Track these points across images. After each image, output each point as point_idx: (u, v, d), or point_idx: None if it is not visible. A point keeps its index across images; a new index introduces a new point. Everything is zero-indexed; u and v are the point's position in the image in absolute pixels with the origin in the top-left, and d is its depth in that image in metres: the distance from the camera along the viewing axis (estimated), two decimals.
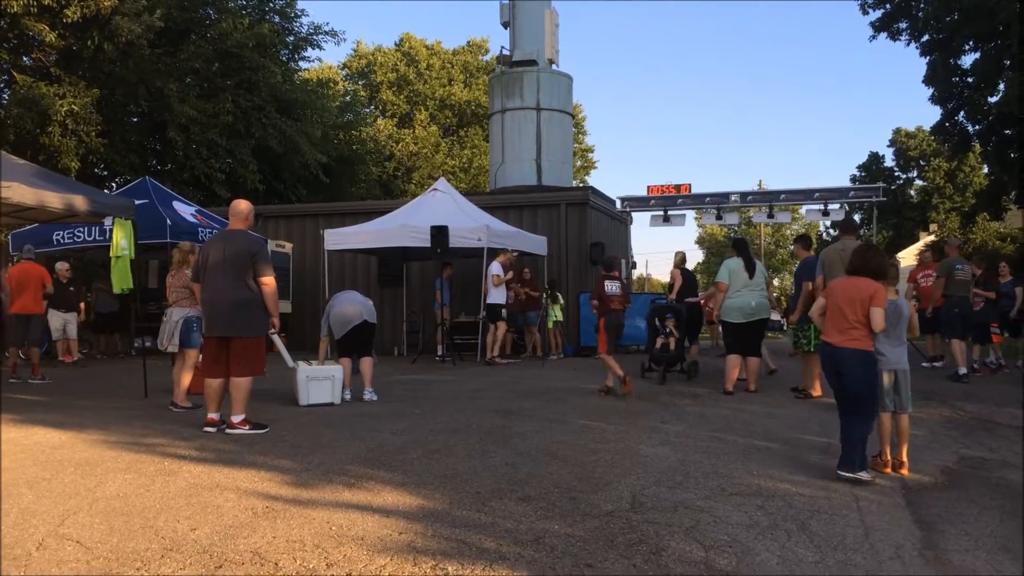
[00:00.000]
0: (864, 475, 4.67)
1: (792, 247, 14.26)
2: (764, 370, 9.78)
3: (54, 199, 8.04)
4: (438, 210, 13.20)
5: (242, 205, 6.56)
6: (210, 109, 19.46)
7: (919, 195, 48.75)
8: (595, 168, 48.89)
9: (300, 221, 17.35)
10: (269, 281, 6.30)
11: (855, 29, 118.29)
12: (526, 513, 3.99)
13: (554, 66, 20.09)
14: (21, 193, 7.61)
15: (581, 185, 32.14)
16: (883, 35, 22.63)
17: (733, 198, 19.60)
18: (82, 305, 13.15)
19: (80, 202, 8.34)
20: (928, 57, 22.01)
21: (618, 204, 19.45)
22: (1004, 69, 19.83)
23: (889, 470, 4.98)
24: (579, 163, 42.78)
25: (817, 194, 19.09)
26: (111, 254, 8.70)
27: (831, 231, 43.95)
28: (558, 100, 19.55)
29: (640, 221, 47.92)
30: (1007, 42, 19.13)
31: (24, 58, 18.40)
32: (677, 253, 11.31)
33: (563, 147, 19.89)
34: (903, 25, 22.28)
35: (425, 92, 38.79)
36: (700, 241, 65.40)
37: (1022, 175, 21.45)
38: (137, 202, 9.85)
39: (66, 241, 13.47)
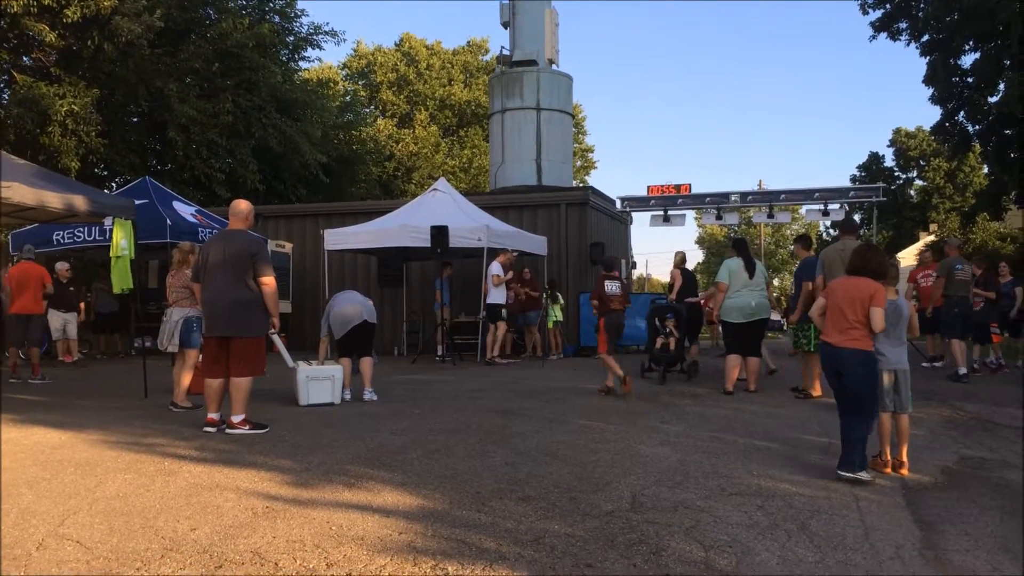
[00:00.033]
0: (864, 475, 4.67)
1: (792, 247, 14.26)
2: (764, 370, 9.78)
3: (54, 199, 8.05)
4: (438, 210, 13.20)
5: (242, 205, 6.56)
6: (210, 109, 19.46)
7: (919, 195, 48.75)
8: (595, 168, 48.96)
9: (300, 221, 17.35)
10: (269, 281, 6.30)
11: (855, 29, 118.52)
12: (526, 513, 3.99)
13: (554, 66, 20.09)
14: (21, 193, 7.61)
15: (581, 185, 32.14)
16: (883, 35, 22.64)
17: (733, 198, 19.60)
18: (82, 305, 13.16)
19: (80, 202, 8.34)
20: (928, 57, 22.01)
21: (618, 204, 19.45)
22: (1004, 69, 19.82)
23: (889, 470, 4.98)
24: (579, 163, 42.79)
25: (817, 194, 19.09)
26: (111, 254, 8.70)
27: (831, 231, 43.96)
28: (558, 100, 19.55)
29: (640, 221, 48.01)
30: (1007, 42, 19.12)
31: (24, 58, 18.41)
32: (677, 253, 11.31)
33: (563, 147, 19.89)
34: (903, 25, 22.27)
35: (425, 92, 38.80)
36: (700, 241, 65.41)
37: (1022, 175, 21.45)
38: (137, 202, 9.85)
39: (66, 241, 13.47)
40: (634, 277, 25.51)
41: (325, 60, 56.94)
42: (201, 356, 7.19)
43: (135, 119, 20.54)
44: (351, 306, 8.11)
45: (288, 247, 16.31)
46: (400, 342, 15.55)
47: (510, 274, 13.05)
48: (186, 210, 13.79)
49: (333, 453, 5.38)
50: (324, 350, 8.49)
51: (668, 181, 21.04)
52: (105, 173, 20.94)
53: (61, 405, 7.84)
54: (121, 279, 8.68)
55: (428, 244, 12.22)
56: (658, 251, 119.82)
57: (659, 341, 9.88)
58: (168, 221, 12.53)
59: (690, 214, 31.96)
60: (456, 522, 3.83)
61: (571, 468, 4.98)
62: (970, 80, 21.74)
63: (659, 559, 3.36)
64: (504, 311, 12.76)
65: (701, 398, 8.36)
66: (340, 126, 27.17)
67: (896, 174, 49.15)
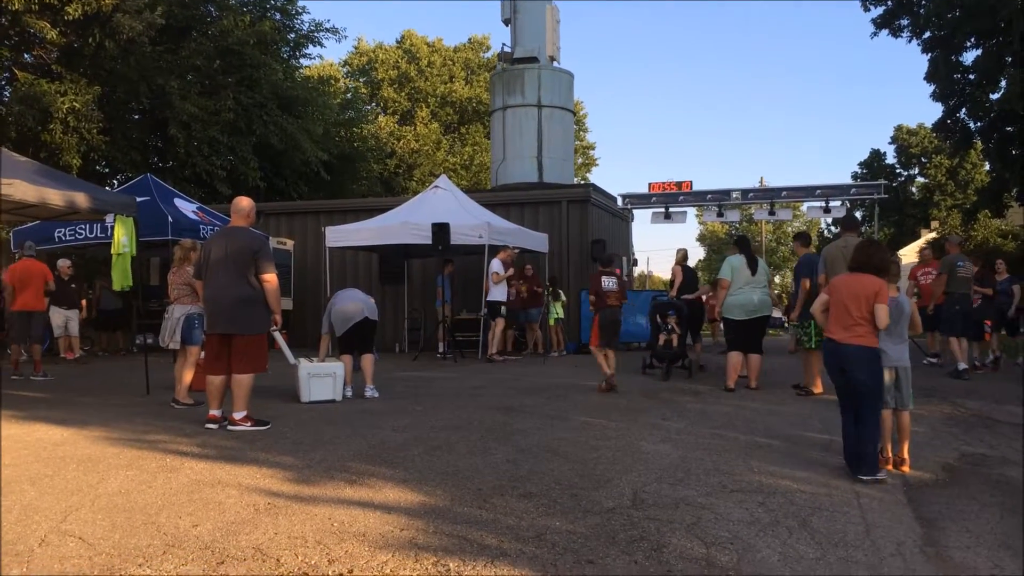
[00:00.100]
0: (883, 475, 4.70)
1: (792, 244, 14.24)
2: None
3: (55, 196, 8.05)
4: (439, 207, 13.20)
5: (244, 202, 6.56)
6: (211, 106, 19.46)
7: (920, 192, 48.72)
8: (596, 165, 48.95)
9: (301, 218, 17.35)
10: (271, 278, 6.30)
11: (856, 26, 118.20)
12: (527, 510, 3.99)
13: (555, 63, 20.07)
14: (23, 190, 7.63)
15: (582, 182, 32.13)
16: (884, 32, 22.57)
17: (734, 195, 19.55)
18: (84, 302, 13.17)
19: (81, 199, 8.35)
20: (929, 54, 21.95)
21: (619, 201, 19.42)
22: (1006, 66, 19.77)
23: (890, 467, 4.98)
24: (580, 160, 42.76)
25: (818, 191, 19.03)
26: (112, 251, 8.71)
27: (832, 228, 43.94)
28: (559, 97, 19.53)
29: (641, 218, 48.02)
30: (1008, 39, 19.08)
31: (25, 55, 18.37)
32: (679, 250, 11.27)
33: (564, 144, 19.87)
34: (904, 22, 22.21)
35: (426, 89, 38.78)
36: (701, 238, 65.29)
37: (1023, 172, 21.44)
38: (138, 199, 9.86)
39: (67, 238, 13.47)
40: (635, 274, 25.49)
41: (326, 57, 57.01)
42: (203, 353, 7.20)
43: (136, 116, 20.53)
44: (352, 303, 8.12)
45: (289, 244, 16.32)
46: (401, 339, 15.56)
47: (511, 271, 13.05)
48: (187, 207, 13.79)
49: (335, 450, 5.39)
50: (325, 347, 8.50)
51: (669, 178, 20.93)
52: (106, 170, 20.95)
53: (63, 402, 7.86)
54: (122, 276, 8.69)
55: (429, 241, 12.23)
56: (659, 248, 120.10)
57: (661, 338, 9.87)
58: (169, 218, 12.53)
59: (691, 211, 31.97)
60: (457, 519, 3.84)
61: (572, 465, 4.98)
62: (972, 77, 21.70)
63: (660, 556, 3.37)
64: (504, 308, 12.77)
65: (702, 395, 8.37)
66: (341, 123, 27.16)
67: (897, 171, 49.11)
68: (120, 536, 3.55)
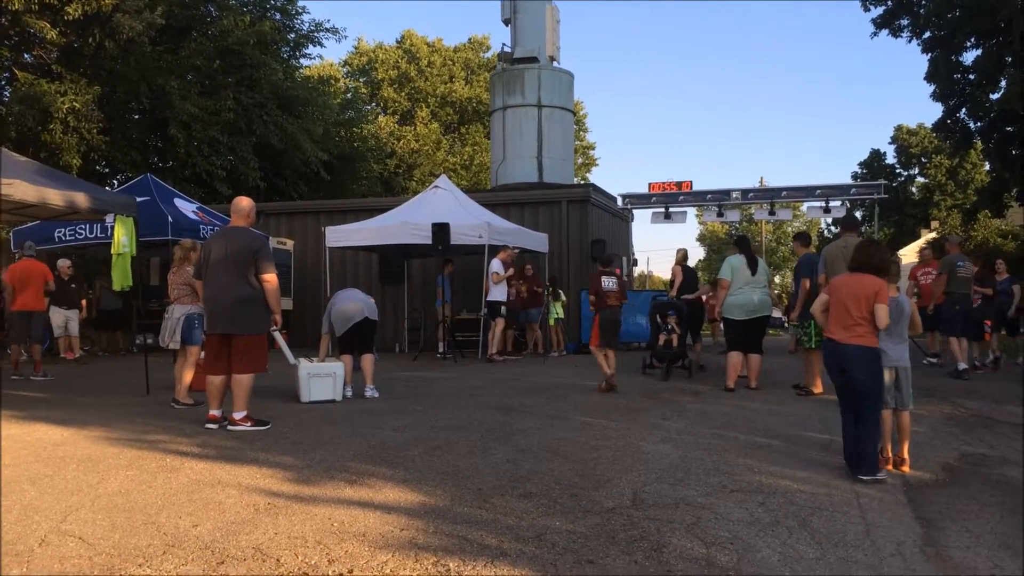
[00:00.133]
0: (883, 475, 4.70)
1: (792, 244, 14.25)
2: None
3: (55, 196, 8.05)
4: (439, 207, 13.20)
5: (244, 202, 6.56)
6: (211, 106, 19.46)
7: (920, 192, 48.72)
8: (596, 165, 48.95)
9: (301, 218, 17.35)
10: (271, 278, 6.30)
11: (856, 26, 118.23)
12: (527, 510, 3.99)
13: (555, 63, 20.07)
14: (23, 190, 7.63)
15: (582, 182, 32.12)
16: (884, 32, 22.58)
17: (734, 195, 19.56)
18: (84, 302, 13.17)
19: (81, 199, 8.35)
20: (929, 54, 21.96)
21: (619, 201, 19.42)
22: (1006, 66, 19.78)
23: (890, 467, 4.98)
24: (580, 160, 42.76)
25: (818, 191, 19.03)
26: (112, 251, 8.71)
27: (832, 228, 43.93)
28: (559, 97, 19.53)
29: (641, 218, 48.02)
30: (1008, 39, 19.08)
31: (25, 55, 18.37)
32: (679, 250, 11.27)
33: (564, 144, 19.86)
34: (904, 22, 22.22)
35: (426, 89, 38.78)
36: (701, 238, 65.30)
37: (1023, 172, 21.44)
38: (138, 199, 9.86)
39: (67, 238, 13.48)
40: (635, 274, 25.49)
41: (326, 57, 57.00)
42: (203, 353, 7.20)
43: (136, 116, 20.53)
44: (352, 303, 8.12)
45: (289, 244, 16.32)
46: (401, 339, 15.56)
47: (511, 271, 13.05)
48: (187, 207, 13.79)
49: (334, 450, 5.39)
50: (325, 347, 8.50)
51: (669, 178, 20.94)
52: (106, 170, 20.95)
53: (63, 402, 7.86)
54: (122, 276, 8.70)
55: (429, 241, 12.23)
56: (659, 248, 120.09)
57: (661, 338, 9.87)
58: (169, 218, 12.53)
59: (691, 211, 31.95)
60: (457, 519, 3.84)
61: (572, 465, 4.98)
62: (972, 77, 21.70)
63: (660, 556, 3.37)
64: (503, 308, 12.77)
65: (702, 395, 8.37)
66: (341, 123, 27.16)
67: (898, 171, 49.13)
68: (120, 536, 3.55)
